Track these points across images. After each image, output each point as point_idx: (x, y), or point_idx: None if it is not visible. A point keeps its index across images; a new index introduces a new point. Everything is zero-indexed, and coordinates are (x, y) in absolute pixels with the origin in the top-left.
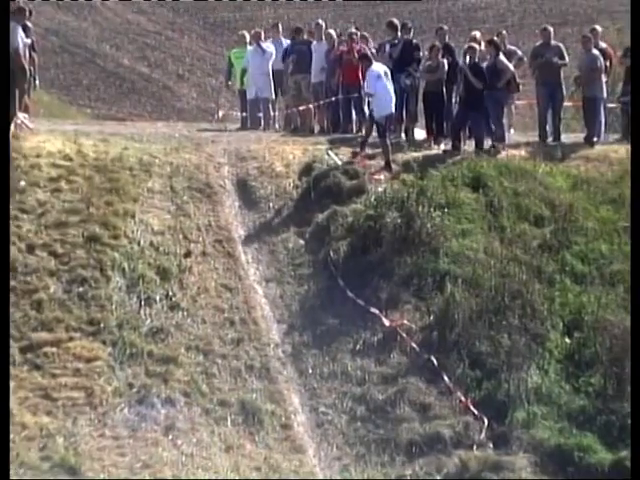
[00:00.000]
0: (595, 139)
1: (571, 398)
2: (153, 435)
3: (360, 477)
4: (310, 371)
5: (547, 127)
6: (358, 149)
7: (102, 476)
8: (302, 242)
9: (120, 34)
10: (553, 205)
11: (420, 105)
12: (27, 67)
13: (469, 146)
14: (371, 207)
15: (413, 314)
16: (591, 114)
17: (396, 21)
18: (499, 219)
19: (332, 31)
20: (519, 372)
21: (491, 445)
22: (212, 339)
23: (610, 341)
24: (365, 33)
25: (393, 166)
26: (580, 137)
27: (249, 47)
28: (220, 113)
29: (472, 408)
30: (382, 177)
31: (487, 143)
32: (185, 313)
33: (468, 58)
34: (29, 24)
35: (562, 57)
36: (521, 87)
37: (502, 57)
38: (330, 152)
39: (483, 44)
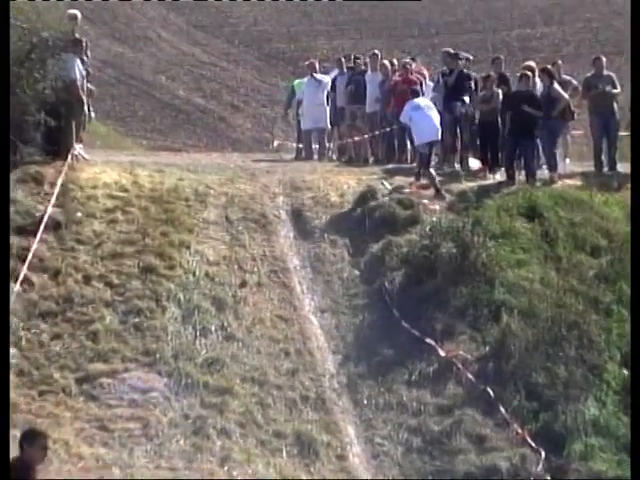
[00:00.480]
0: None
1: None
2: (209, 466)
3: None
4: (365, 402)
5: (602, 156)
6: (413, 179)
7: None
8: (357, 272)
9: (175, 65)
10: (609, 235)
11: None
12: (84, 99)
13: (524, 176)
14: (426, 237)
15: (469, 345)
16: None
17: (452, 51)
18: (555, 249)
19: (386, 61)
20: (576, 404)
21: (548, 477)
22: (267, 370)
23: None
24: (413, 61)
25: (447, 196)
26: None
27: (304, 78)
28: (275, 143)
29: (529, 440)
30: (437, 207)
31: (542, 173)
32: (240, 344)
33: (522, 86)
34: (85, 57)
35: (615, 86)
36: (577, 116)
37: (556, 85)
38: (385, 182)
39: (537, 73)
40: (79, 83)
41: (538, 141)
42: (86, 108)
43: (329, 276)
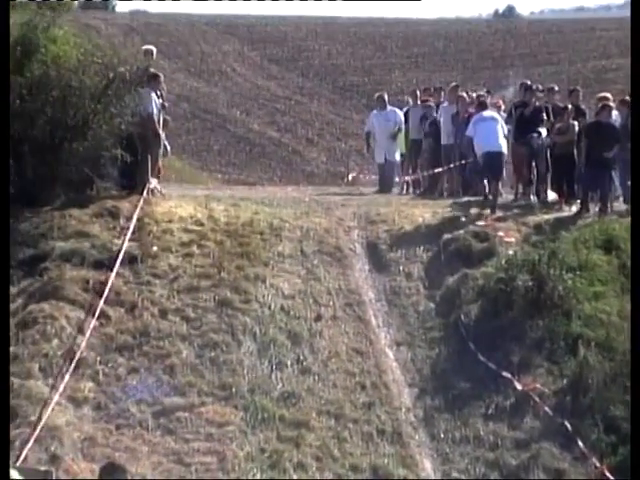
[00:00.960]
0: None
1: None
2: None
3: None
4: (442, 436)
5: None
6: (488, 211)
7: None
8: (432, 305)
9: (250, 99)
10: None
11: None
12: (161, 133)
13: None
14: (502, 270)
15: (546, 378)
16: None
17: (528, 82)
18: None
19: (464, 93)
20: None
21: None
22: (343, 403)
23: None
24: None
25: (524, 228)
26: None
27: (374, 111)
28: (350, 176)
29: (608, 474)
30: (513, 240)
31: (618, 204)
32: (316, 377)
33: (601, 117)
34: (161, 91)
35: None
36: None
37: None
38: (461, 215)
39: (614, 105)
40: (156, 117)
41: (614, 173)
42: (162, 142)
43: (405, 309)
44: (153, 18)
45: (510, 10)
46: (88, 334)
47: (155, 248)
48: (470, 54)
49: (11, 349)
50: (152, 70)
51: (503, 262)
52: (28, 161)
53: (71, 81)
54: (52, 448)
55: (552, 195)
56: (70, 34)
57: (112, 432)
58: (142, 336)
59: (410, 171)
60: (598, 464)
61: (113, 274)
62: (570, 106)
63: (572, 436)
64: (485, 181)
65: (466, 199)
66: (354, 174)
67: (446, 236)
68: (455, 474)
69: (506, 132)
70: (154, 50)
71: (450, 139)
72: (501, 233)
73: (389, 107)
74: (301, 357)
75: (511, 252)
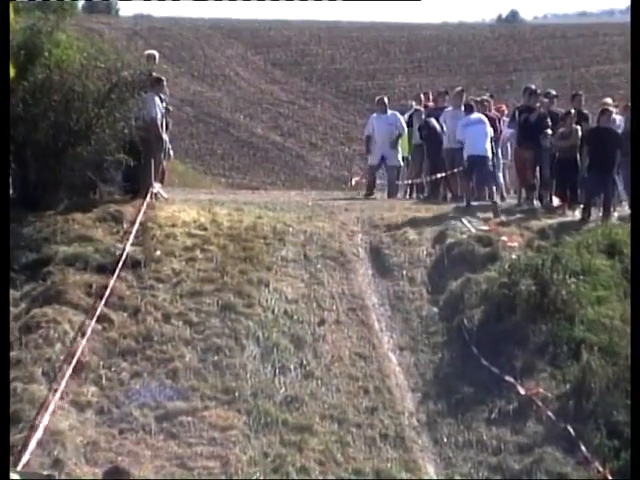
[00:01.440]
0: None
1: None
2: None
3: None
4: (445, 440)
5: None
6: (491, 215)
7: None
8: (436, 310)
9: (253, 104)
10: None
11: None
12: (164, 137)
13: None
14: (505, 274)
15: (549, 382)
16: None
17: (533, 87)
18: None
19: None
20: None
21: None
22: (346, 408)
23: None
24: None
25: (527, 233)
26: None
27: (374, 114)
28: (353, 181)
29: (610, 478)
30: (516, 244)
31: (622, 209)
32: (319, 382)
33: (602, 122)
34: (164, 95)
35: None
36: None
37: None
38: (463, 219)
39: (616, 110)
40: (159, 122)
41: (617, 177)
42: (166, 146)
43: (408, 314)
44: (157, 22)
45: (513, 15)
46: (88, 338)
47: (158, 252)
48: (473, 59)
49: (14, 353)
50: (155, 74)
51: (506, 267)
52: (31, 165)
53: (74, 85)
54: (55, 452)
55: (555, 200)
56: (73, 38)
57: (115, 436)
58: (145, 340)
59: (414, 175)
60: (601, 468)
61: (114, 277)
62: (573, 111)
63: (575, 441)
64: (471, 184)
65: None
66: (357, 178)
67: (449, 241)
68: (458, 478)
69: (492, 135)
70: (157, 55)
71: (454, 143)
72: (504, 238)
73: (390, 111)
74: (304, 361)
75: (514, 257)
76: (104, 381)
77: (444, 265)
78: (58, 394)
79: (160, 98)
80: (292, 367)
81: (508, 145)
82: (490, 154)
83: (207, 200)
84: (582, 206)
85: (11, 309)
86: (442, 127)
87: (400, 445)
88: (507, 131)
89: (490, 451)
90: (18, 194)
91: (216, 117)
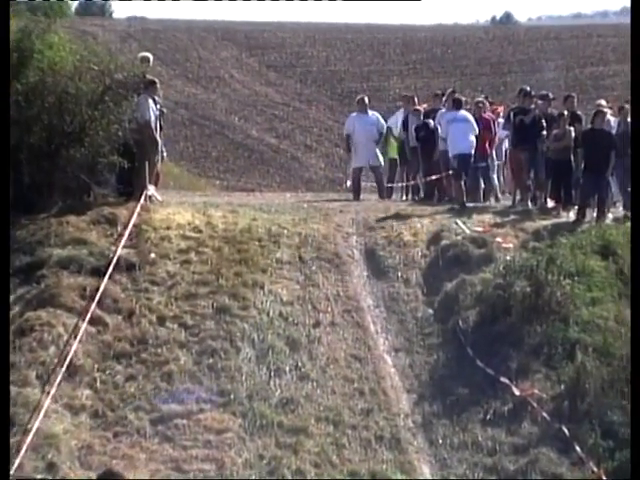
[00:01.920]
0: None
1: None
2: None
3: None
4: (440, 441)
5: None
6: (486, 217)
7: None
8: (431, 311)
9: (248, 106)
10: None
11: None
12: (158, 139)
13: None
14: (500, 276)
15: (544, 383)
16: None
17: (528, 89)
18: (629, 287)
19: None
20: None
21: None
22: (342, 410)
23: None
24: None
25: (521, 234)
26: None
27: (353, 114)
28: (348, 183)
29: (605, 479)
30: (511, 245)
31: (616, 210)
32: (315, 384)
33: (596, 124)
34: (157, 97)
35: None
36: None
37: None
38: (458, 221)
39: (610, 111)
40: (153, 124)
41: (611, 179)
42: (160, 149)
43: (403, 315)
44: (151, 24)
45: (507, 16)
46: (80, 341)
47: (153, 255)
48: (468, 60)
49: None
50: (149, 77)
51: (501, 268)
52: (25, 168)
53: (68, 88)
54: (49, 456)
55: (550, 201)
56: (66, 40)
57: (110, 440)
58: (140, 343)
59: (410, 177)
60: (595, 469)
61: (105, 279)
62: (565, 112)
63: (570, 441)
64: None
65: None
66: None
67: (444, 242)
68: (454, 479)
69: (477, 132)
70: (151, 57)
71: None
72: (499, 239)
73: (370, 111)
74: (299, 363)
75: (509, 258)
76: (98, 384)
77: (439, 266)
78: (52, 397)
79: (154, 100)
80: (287, 369)
81: (503, 146)
82: (473, 151)
83: (202, 202)
84: (577, 207)
85: None
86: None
87: (395, 446)
88: (502, 132)
89: (485, 452)
90: (12, 197)
91: (211, 119)
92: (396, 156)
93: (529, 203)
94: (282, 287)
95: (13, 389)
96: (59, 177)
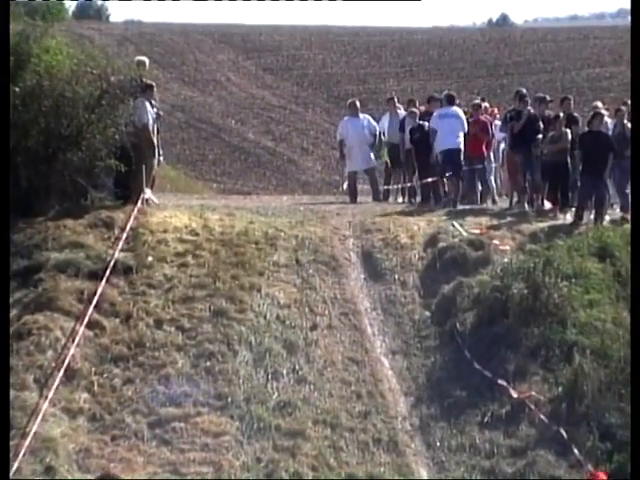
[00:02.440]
0: None
1: None
2: None
3: None
4: (438, 444)
5: None
6: (483, 220)
7: None
8: (428, 314)
9: (245, 109)
10: None
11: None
12: (156, 143)
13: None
14: (497, 278)
15: (541, 385)
16: None
17: (524, 91)
18: (627, 289)
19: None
20: None
21: None
22: (339, 412)
23: None
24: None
25: (518, 236)
26: None
27: (345, 118)
28: (344, 185)
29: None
30: (508, 248)
31: (613, 212)
32: (312, 387)
33: (594, 126)
34: (154, 100)
35: None
36: None
37: (630, 125)
38: (455, 223)
39: (607, 113)
40: (151, 127)
41: (608, 181)
42: (157, 152)
43: (400, 318)
44: (147, 28)
45: (504, 19)
46: (78, 344)
47: (150, 258)
48: (464, 63)
49: None
50: (146, 80)
51: (498, 270)
52: (22, 171)
53: (64, 91)
54: (47, 459)
55: (547, 203)
56: (63, 44)
57: (107, 443)
58: (137, 346)
59: (407, 180)
60: (594, 471)
61: (103, 282)
62: (561, 114)
63: (567, 443)
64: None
65: (461, 207)
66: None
67: (441, 244)
68: None
69: (466, 129)
70: (147, 61)
71: None
72: (496, 241)
73: (361, 115)
74: (297, 366)
75: (506, 260)
76: (96, 388)
77: (436, 269)
78: (50, 401)
79: (151, 104)
80: (284, 372)
81: (500, 148)
82: (462, 147)
83: (199, 205)
84: (574, 209)
85: None
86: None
87: (393, 449)
88: (499, 135)
89: (483, 454)
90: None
91: (207, 122)
92: (387, 159)
93: (526, 205)
94: (279, 290)
95: (11, 393)
96: (56, 180)
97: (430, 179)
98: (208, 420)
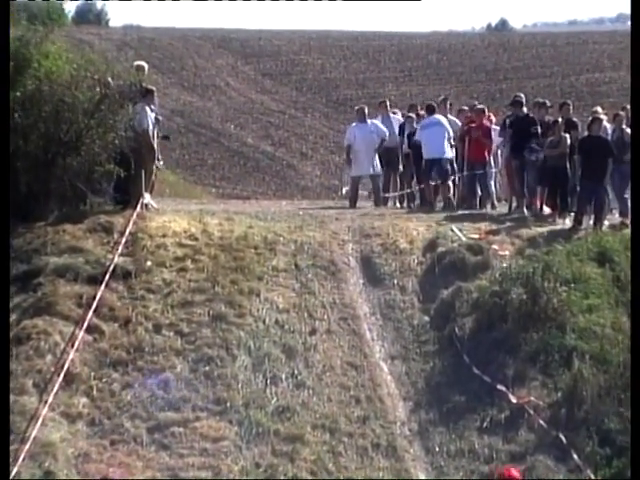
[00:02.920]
0: None
1: None
2: None
3: None
4: (437, 449)
5: None
6: (482, 224)
7: None
8: (427, 319)
9: (244, 113)
10: None
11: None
12: (156, 147)
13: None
14: (496, 283)
15: (540, 391)
16: None
17: (521, 97)
18: (626, 294)
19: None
20: None
21: None
22: (338, 417)
23: None
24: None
25: (517, 241)
26: None
27: (353, 124)
28: (343, 190)
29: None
30: (507, 252)
31: (612, 217)
32: (311, 391)
33: (593, 131)
34: (153, 105)
35: None
36: None
37: (628, 130)
38: (454, 228)
39: (606, 118)
40: (151, 133)
41: (608, 186)
42: (157, 157)
43: (399, 323)
44: (146, 32)
45: (503, 23)
46: (77, 348)
47: (149, 263)
48: (463, 67)
49: None
50: (144, 85)
51: (497, 275)
52: (21, 176)
53: (64, 96)
54: (46, 464)
55: (546, 208)
56: (63, 49)
57: (106, 448)
58: (136, 351)
59: (405, 184)
60: (592, 476)
61: (102, 287)
62: (560, 119)
63: (567, 448)
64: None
65: (460, 212)
66: (347, 188)
67: (440, 249)
68: None
69: (451, 135)
70: (146, 66)
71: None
72: (495, 246)
73: (369, 120)
74: (296, 371)
75: (505, 265)
76: (95, 392)
77: (435, 274)
78: (49, 406)
79: (151, 109)
80: (283, 377)
81: (499, 153)
82: (448, 155)
83: (198, 210)
84: (573, 214)
85: None
86: None
87: (392, 454)
88: (497, 140)
89: (482, 460)
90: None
91: (206, 127)
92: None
93: (525, 210)
94: (278, 295)
95: (10, 397)
96: (56, 185)
97: (428, 183)
98: (207, 425)
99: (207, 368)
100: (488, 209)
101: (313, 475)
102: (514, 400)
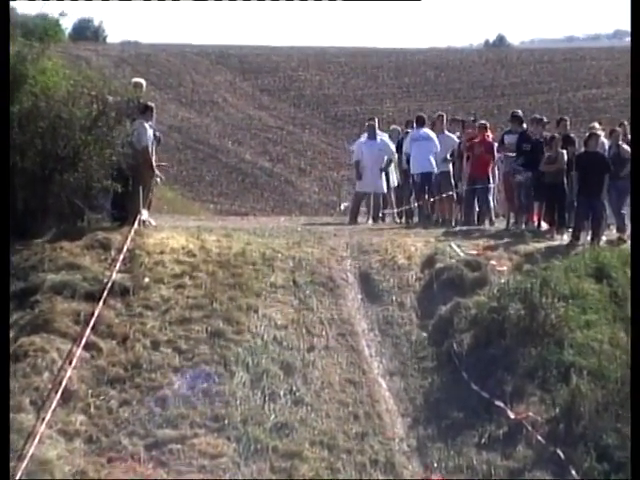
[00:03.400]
0: None
1: None
2: None
3: None
4: (435, 465)
5: None
6: (480, 240)
7: None
8: (425, 335)
9: (242, 130)
10: None
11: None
12: (155, 164)
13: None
14: (494, 299)
15: (538, 406)
16: None
17: (519, 113)
18: (624, 309)
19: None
20: None
21: None
22: (336, 434)
23: None
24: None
25: (515, 257)
26: None
27: (361, 139)
28: (342, 206)
29: None
30: (505, 268)
31: (609, 233)
32: (309, 408)
33: (590, 147)
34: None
35: None
36: None
37: (625, 146)
38: (452, 244)
39: (603, 134)
40: (150, 149)
41: (605, 202)
42: (156, 174)
43: (397, 339)
44: (144, 49)
45: (501, 40)
46: (74, 366)
47: (147, 280)
48: (461, 83)
49: None
50: (142, 102)
51: (495, 291)
52: (19, 193)
53: (61, 112)
54: None
55: (544, 224)
56: (59, 65)
57: (104, 465)
58: (134, 368)
59: (403, 200)
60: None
61: (99, 304)
62: (557, 135)
63: (565, 464)
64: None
65: (458, 228)
66: (346, 204)
67: (438, 265)
68: None
69: (439, 149)
70: (144, 83)
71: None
72: (493, 262)
73: (379, 137)
74: (294, 388)
75: (503, 281)
76: (92, 409)
77: (433, 290)
78: (46, 423)
79: (149, 125)
80: (282, 393)
81: (496, 169)
82: (435, 170)
83: (196, 227)
84: (571, 230)
85: None
86: None
87: (390, 471)
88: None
89: (480, 476)
90: None
91: (204, 143)
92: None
93: (523, 226)
94: (276, 311)
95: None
96: (53, 202)
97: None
98: (205, 442)
99: (205, 385)
100: (486, 225)
101: None
102: (512, 416)
